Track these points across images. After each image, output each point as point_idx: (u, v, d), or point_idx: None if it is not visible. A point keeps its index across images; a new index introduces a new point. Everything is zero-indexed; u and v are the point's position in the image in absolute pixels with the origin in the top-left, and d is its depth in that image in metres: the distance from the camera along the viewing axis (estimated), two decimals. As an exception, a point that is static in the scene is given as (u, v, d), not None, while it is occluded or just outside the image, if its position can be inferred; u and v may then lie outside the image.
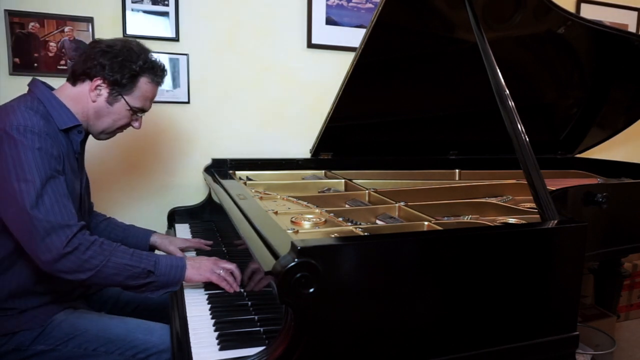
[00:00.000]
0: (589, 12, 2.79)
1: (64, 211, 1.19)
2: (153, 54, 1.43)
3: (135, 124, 1.46)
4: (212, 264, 1.33)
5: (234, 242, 1.53)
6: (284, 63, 2.30)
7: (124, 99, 1.38)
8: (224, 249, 1.65)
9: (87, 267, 1.18)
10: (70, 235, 1.17)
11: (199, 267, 1.32)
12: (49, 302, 1.33)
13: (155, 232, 1.69)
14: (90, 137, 1.46)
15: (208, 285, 1.35)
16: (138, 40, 1.43)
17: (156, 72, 1.42)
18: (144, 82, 1.39)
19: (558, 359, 1.19)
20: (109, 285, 1.44)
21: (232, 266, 1.34)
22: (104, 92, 1.35)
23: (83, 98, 1.36)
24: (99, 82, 1.34)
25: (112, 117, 1.39)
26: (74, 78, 1.37)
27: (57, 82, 1.43)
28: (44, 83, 1.37)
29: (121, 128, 1.45)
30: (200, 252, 1.64)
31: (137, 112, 1.43)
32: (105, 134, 1.43)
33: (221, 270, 1.32)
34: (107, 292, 1.59)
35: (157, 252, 1.67)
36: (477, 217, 1.58)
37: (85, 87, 1.36)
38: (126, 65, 1.34)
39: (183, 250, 1.64)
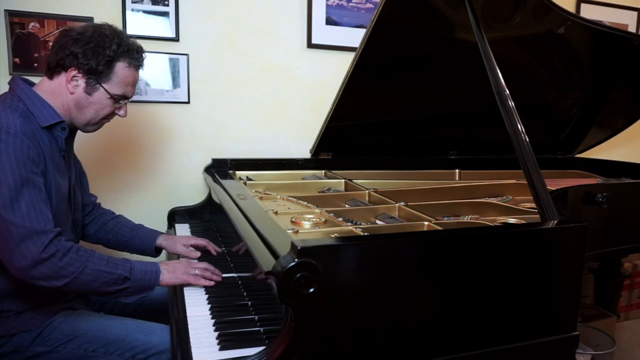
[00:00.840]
0: (589, 12, 2.79)
1: (40, 217, 1.16)
2: (128, 35, 1.35)
3: (120, 112, 1.39)
4: (186, 266, 1.35)
5: (233, 249, 1.53)
6: (284, 63, 2.30)
7: (103, 87, 1.31)
8: (224, 249, 1.65)
9: (63, 274, 1.16)
10: (47, 241, 1.14)
11: (174, 271, 1.33)
12: (46, 303, 1.32)
13: (162, 233, 1.66)
14: (87, 135, 1.44)
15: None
16: (111, 24, 1.36)
17: (132, 55, 1.34)
18: (121, 67, 1.32)
19: (558, 359, 1.19)
20: (85, 292, 1.40)
21: (204, 264, 1.38)
22: (81, 82, 1.30)
23: (61, 91, 1.31)
24: (74, 72, 1.29)
25: (94, 108, 1.33)
26: (50, 71, 1.32)
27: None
28: (25, 80, 1.33)
29: (107, 118, 1.39)
30: (203, 256, 1.63)
31: (119, 100, 1.36)
32: (90, 126, 1.38)
33: (196, 271, 1.34)
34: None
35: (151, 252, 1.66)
36: (477, 217, 1.58)
37: (62, 79, 1.31)
38: (99, 51, 1.28)
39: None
